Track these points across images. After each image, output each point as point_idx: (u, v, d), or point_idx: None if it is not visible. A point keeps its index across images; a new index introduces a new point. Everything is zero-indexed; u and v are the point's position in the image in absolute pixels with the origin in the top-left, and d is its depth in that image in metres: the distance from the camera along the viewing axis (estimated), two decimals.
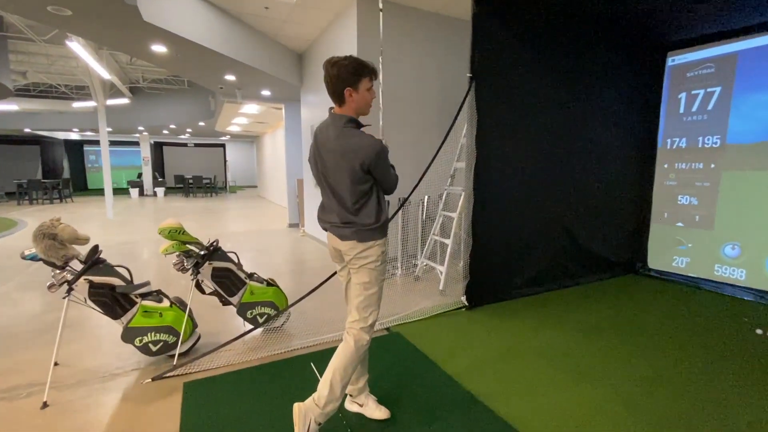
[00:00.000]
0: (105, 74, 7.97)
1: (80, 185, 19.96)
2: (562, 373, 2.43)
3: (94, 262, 2.32)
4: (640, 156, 4.53)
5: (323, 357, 2.61)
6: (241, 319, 2.92)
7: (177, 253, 2.64)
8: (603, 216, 4.33)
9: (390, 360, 2.58)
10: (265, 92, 7.51)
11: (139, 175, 18.24)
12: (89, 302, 2.33)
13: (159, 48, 4.86)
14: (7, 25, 7.38)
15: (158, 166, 20.67)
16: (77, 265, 2.33)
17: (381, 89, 4.60)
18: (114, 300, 2.37)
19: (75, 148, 19.94)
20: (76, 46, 6.01)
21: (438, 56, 4.97)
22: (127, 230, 8.02)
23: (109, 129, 14.45)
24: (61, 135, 17.98)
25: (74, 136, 18.60)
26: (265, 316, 2.91)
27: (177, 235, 2.55)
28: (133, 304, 2.43)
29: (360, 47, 4.48)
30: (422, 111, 4.93)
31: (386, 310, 3.39)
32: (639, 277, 4.54)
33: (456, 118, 3.39)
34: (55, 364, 2.55)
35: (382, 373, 2.41)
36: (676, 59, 4.34)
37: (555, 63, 3.71)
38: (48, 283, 2.25)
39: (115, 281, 2.37)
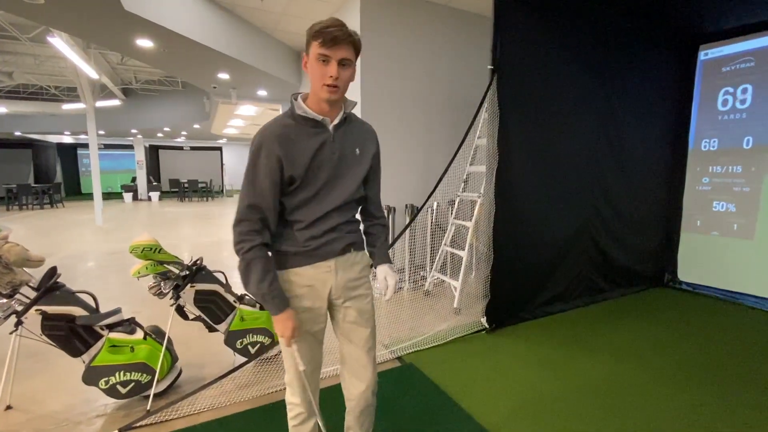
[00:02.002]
0: (93, 74, 7.57)
1: (74, 190, 19.48)
2: (616, 419, 2.04)
3: (49, 288, 1.92)
4: (669, 158, 4.15)
5: (325, 395, 2.21)
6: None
7: (152, 274, 2.25)
8: (631, 224, 3.94)
9: (406, 402, 2.18)
10: (262, 92, 7.14)
11: (133, 179, 17.81)
12: (43, 337, 1.93)
13: (145, 42, 4.48)
14: None
15: (154, 170, 20.22)
16: (29, 293, 1.94)
17: (383, 87, 4.23)
18: (74, 334, 1.97)
19: (68, 152, 19.47)
20: (58, 42, 5.61)
21: (447, 52, 4.58)
22: (115, 238, 7.59)
23: (102, 132, 14.09)
24: (53, 138, 17.55)
25: (67, 139, 18.17)
26: (258, 345, 2.50)
27: (152, 254, 2.15)
28: (97, 337, 2.03)
29: (363, 42, 4.09)
30: (428, 110, 4.54)
31: (396, 333, 3.00)
32: (668, 290, 4.16)
33: (476, 116, 3.01)
34: (8, 407, 2.16)
35: (398, 418, 2.01)
36: (709, 53, 3.97)
37: (583, 56, 3.33)
38: None
39: (75, 311, 1.97)
